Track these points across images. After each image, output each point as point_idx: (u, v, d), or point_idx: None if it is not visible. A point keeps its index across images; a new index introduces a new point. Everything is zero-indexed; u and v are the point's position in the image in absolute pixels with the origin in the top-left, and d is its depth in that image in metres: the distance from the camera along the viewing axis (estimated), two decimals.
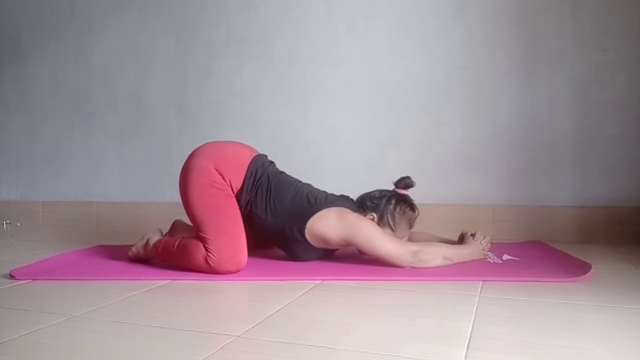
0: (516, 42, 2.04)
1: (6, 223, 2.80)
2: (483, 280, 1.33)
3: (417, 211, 1.62)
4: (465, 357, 0.82)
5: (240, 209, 1.53)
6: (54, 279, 1.41)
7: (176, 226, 1.77)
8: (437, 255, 1.46)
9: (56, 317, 1.06)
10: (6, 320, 1.06)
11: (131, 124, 2.65)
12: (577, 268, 1.40)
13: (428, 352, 0.84)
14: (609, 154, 1.95)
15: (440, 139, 2.13)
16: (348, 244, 1.50)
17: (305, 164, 2.25)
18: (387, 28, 2.20)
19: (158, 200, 2.56)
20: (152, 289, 1.29)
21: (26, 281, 1.40)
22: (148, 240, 1.60)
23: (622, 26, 1.92)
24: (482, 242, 1.59)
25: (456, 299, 1.17)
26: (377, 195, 1.62)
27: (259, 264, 1.57)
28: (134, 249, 1.61)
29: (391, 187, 1.65)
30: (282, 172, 1.64)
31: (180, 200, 1.57)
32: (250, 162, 1.56)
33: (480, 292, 1.22)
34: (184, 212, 1.56)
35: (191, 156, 1.58)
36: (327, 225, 1.49)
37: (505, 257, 1.61)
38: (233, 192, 1.52)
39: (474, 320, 1.00)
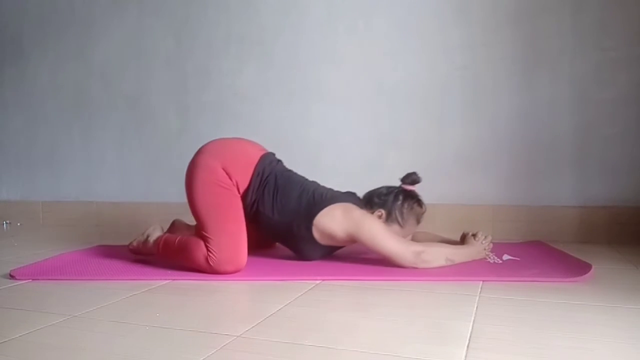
0: (516, 42, 2.04)
1: (6, 223, 2.80)
2: (483, 280, 1.33)
3: (424, 207, 1.62)
4: (465, 357, 0.82)
5: (247, 208, 1.53)
6: (54, 279, 1.41)
7: (175, 226, 1.77)
8: (439, 256, 1.46)
9: (56, 317, 1.06)
10: (6, 320, 1.06)
11: (131, 124, 2.65)
12: (577, 268, 1.40)
13: (428, 352, 0.84)
14: (609, 154, 1.95)
15: (440, 139, 2.13)
16: (353, 240, 1.50)
17: (305, 163, 2.24)
18: (387, 28, 2.20)
19: (158, 200, 2.56)
20: (152, 289, 1.29)
21: (26, 281, 1.40)
22: (148, 236, 1.60)
23: (622, 26, 1.92)
24: (484, 242, 1.59)
25: (456, 299, 1.17)
26: (384, 191, 1.61)
27: (259, 264, 1.57)
28: (134, 243, 1.63)
29: (397, 184, 1.65)
30: (290, 171, 1.64)
31: (181, 200, 1.57)
32: (258, 161, 1.56)
33: (480, 292, 1.22)
34: (185, 211, 1.56)
35: (198, 153, 1.57)
36: (332, 220, 1.49)
37: (505, 257, 1.61)
38: (239, 192, 1.52)
39: (474, 320, 1.00)
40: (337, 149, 2.28)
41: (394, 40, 2.19)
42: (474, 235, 1.61)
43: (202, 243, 1.44)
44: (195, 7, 2.50)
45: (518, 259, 1.59)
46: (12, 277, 1.43)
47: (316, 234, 1.51)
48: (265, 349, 0.86)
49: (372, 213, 1.56)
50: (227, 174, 1.50)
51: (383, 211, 1.57)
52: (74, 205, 2.74)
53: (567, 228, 1.98)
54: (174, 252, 1.50)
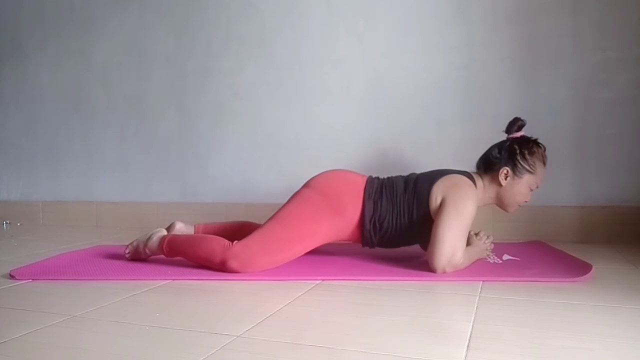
0: (516, 42, 2.04)
1: (6, 223, 2.80)
2: (483, 280, 1.33)
3: (542, 146, 1.57)
4: (465, 357, 0.82)
5: (368, 234, 1.52)
6: (54, 279, 1.41)
7: (175, 227, 1.77)
8: (456, 269, 1.42)
9: (56, 317, 1.06)
10: (6, 320, 1.06)
11: (131, 124, 2.65)
12: (577, 268, 1.40)
13: (428, 352, 0.84)
14: (608, 154, 1.95)
15: (440, 139, 2.13)
16: (436, 211, 1.45)
17: (305, 163, 2.25)
18: (387, 28, 2.20)
19: (158, 200, 2.56)
20: (152, 289, 1.29)
21: (26, 281, 1.40)
22: (151, 235, 1.60)
23: (622, 26, 1.92)
24: (486, 241, 1.59)
25: (456, 299, 1.17)
26: (496, 150, 1.57)
27: None
28: (134, 243, 1.62)
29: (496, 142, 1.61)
30: (389, 177, 1.62)
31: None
32: (365, 186, 1.54)
33: (480, 292, 1.22)
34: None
35: (308, 186, 1.56)
36: (439, 188, 1.47)
37: (505, 257, 1.61)
38: (351, 228, 1.51)
39: (474, 320, 1.00)
40: (337, 149, 2.28)
41: (394, 40, 2.20)
42: (476, 235, 1.60)
43: (223, 239, 1.46)
44: (195, 6, 2.50)
45: (518, 259, 1.59)
46: (12, 277, 1.43)
47: (432, 211, 1.46)
48: (265, 349, 0.86)
49: (498, 174, 1.52)
50: (334, 217, 1.49)
51: (507, 168, 1.53)
52: (74, 205, 2.74)
53: (567, 228, 1.98)
54: (183, 242, 1.51)
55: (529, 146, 1.55)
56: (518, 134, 1.58)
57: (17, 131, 2.90)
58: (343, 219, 1.51)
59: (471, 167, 1.72)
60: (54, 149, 2.81)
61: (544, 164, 1.57)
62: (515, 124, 1.58)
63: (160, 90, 2.58)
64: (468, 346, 0.87)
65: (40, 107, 2.84)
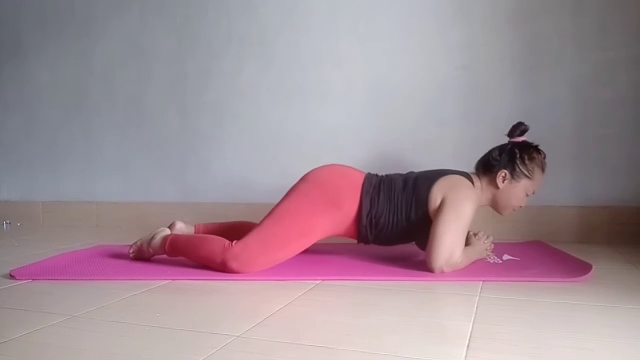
0: (516, 42, 2.04)
1: (6, 223, 2.80)
2: (483, 280, 1.33)
3: (543, 152, 1.58)
4: (465, 357, 0.82)
5: (364, 229, 1.52)
6: (54, 279, 1.41)
7: (175, 227, 1.77)
8: (454, 268, 1.42)
9: (56, 317, 1.06)
10: (6, 320, 1.06)
11: (131, 124, 2.65)
12: (577, 268, 1.40)
13: (428, 352, 0.84)
14: (608, 154, 1.95)
15: (440, 139, 2.13)
16: (435, 211, 1.46)
17: (305, 163, 2.24)
18: (388, 28, 2.20)
19: (158, 200, 2.56)
20: (152, 289, 1.29)
21: (26, 281, 1.40)
22: (155, 234, 1.60)
23: (622, 26, 1.92)
24: (486, 241, 1.59)
25: (456, 299, 1.17)
26: (497, 152, 1.57)
27: None
28: (138, 243, 1.62)
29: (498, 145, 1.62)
30: (388, 175, 1.62)
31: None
32: (363, 182, 1.54)
33: (480, 292, 1.22)
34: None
35: (305, 180, 1.56)
36: (438, 188, 1.47)
37: (505, 257, 1.61)
38: (348, 223, 1.51)
39: (474, 320, 1.00)
40: (337, 149, 2.28)
41: (394, 40, 2.20)
42: (475, 235, 1.60)
43: (224, 239, 1.45)
44: (195, 7, 2.50)
45: (518, 259, 1.59)
46: (12, 277, 1.43)
47: (431, 212, 1.47)
48: (265, 349, 0.86)
49: (496, 177, 1.52)
50: (331, 210, 1.49)
51: (505, 171, 1.53)
52: (74, 205, 2.74)
53: (567, 228, 1.98)
54: (185, 242, 1.51)
55: (530, 152, 1.55)
56: (520, 139, 1.58)
57: (17, 131, 2.90)
58: (340, 213, 1.51)
59: (471, 168, 1.72)
60: (54, 149, 2.81)
61: (543, 170, 1.57)
62: (518, 128, 1.58)
63: (160, 90, 2.58)
64: (468, 346, 0.87)
65: (41, 108, 2.84)
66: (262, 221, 1.50)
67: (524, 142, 1.57)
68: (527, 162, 1.53)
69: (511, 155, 1.54)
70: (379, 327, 0.97)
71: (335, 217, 1.51)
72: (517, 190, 1.54)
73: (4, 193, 2.94)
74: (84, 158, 2.75)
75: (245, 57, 2.42)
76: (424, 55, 2.16)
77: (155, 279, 1.39)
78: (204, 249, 1.46)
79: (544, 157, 1.58)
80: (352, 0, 2.25)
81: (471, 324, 0.99)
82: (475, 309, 1.09)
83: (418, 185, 1.52)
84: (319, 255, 1.70)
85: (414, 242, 1.63)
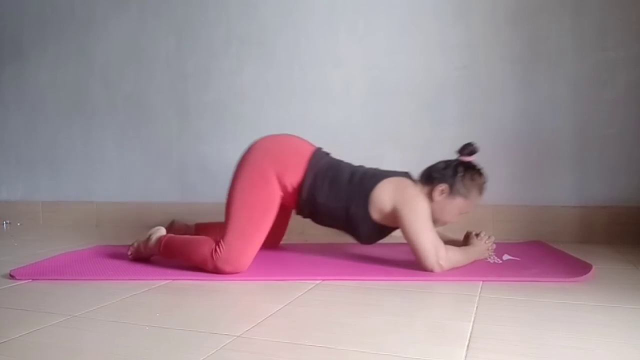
0: (516, 42, 2.04)
1: (6, 223, 2.80)
2: (483, 280, 1.33)
3: (485, 176, 1.59)
4: (465, 357, 0.82)
5: (303, 203, 1.54)
6: (54, 279, 1.41)
7: (175, 226, 1.77)
8: (452, 264, 1.45)
9: (56, 317, 1.06)
10: (6, 320, 1.06)
11: (131, 124, 2.65)
12: (577, 268, 1.40)
13: (428, 352, 0.84)
14: (608, 154, 1.96)
15: (440, 139, 2.13)
16: (396, 217, 1.48)
17: None
18: (388, 28, 2.21)
19: (158, 200, 2.56)
20: (152, 289, 1.29)
21: (26, 281, 1.40)
22: (150, 235, 1.60)
23: (621, 26, 1.92)
24: (487, 242, 1.59)
25: (456, 299, 1.17)
26: (442, 166, 1.58)
27: (260, 264, 1.57)
28: (135, 244, 1.62)
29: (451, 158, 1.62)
30: (339, 160, 1.64)
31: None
32: (310, 157, 1.56)
33: (480, 292, 1.22)
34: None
35: (251, 150, 1.57)
36: (383, 192, 1.49)
37: (505, 257, 1.61)
38: (289, 191, 1.52)
39: (474, 320, 1.00)
40: (337, 149, 2.27)
41: (394, 40, 2.20)
42: (477, 235, 1.61)
43: (210, 240, 1.45)
44: (195, 7, 2.50)
45: (518, 259, 1.59)
46: (12, 277, 1.43)
47: (371, 210, 1.50)
48: (265, 349, 0.86)
49: (434, 189, 1.53)
50: (277, 176, 1.50)
51: (445, 185, 1.54)
52: (74, 205, 2.74)
53: (567, 228, 1.98)
54: (177, 245, 1.50)
55: (473, 172, 1.57)
56: (467, 158, 1.59)
57: (17, 131, 2.90)
58: (286, 181, 1.51)
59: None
60: (54, 149, 2.81)
61: (480, 193, 1.59)
62: (468, 148, 1.59)
63: (160, 90, 2.58)
64: (468, 346, 0.87)
65: (41, 108, 2.84)
66: (229, 210, 1.48)
67: (470, 162, 1.59)
68: (467, 181, 1.55)
69: (455, 171, 1.56)
70: (379, 327, 0.97)
71: (284, 185, 1.52)
72: (451, 206, 1.54)
73: (4, 193, 2.94)
74: (84, 158, 2.75)
75: (245, 57, 2.42)
76: (424, 55, 2.16)
77: (155, 279, 1.39)
78: (196, 256, 1.45)
79: (484, 182, 1.60)
80: (352, 0, 2.25)
81: (471, 324, 0.99)
82: (475, 309, 1.09)
83: (363, 183, 1.53)
84: (319, 255, 1.70)
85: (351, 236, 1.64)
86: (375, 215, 1.51)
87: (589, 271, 1.34)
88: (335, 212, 1.54)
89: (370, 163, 2.19)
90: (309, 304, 1.14)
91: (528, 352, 0.83)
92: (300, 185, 1.52)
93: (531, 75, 2.03)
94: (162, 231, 1.62)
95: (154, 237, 1.58)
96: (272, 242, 1.76)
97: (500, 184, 2.06)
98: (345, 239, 1.65)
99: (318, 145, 1.67)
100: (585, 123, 1.98)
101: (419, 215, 1.45)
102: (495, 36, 2.06)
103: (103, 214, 2.67)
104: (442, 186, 1.53)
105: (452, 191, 1.54)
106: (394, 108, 2.20)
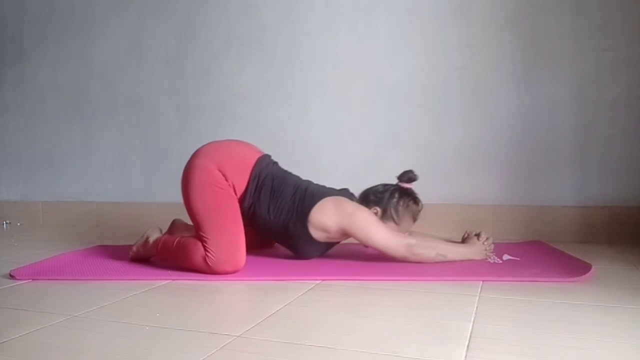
0: (516, 42, 2.04)
1: (6, 223, 2.80)
2: (483, 280, 1.33)
3: (420, 204, 1.63)
4: (465, 357, 0.82)
5: (244, 211, 1.53)
6: (54, 279, 1.41)
7: (175, 225, 1.77)
8: (430, 250, 1.48)
9: (56, 317, 1.06)
10: (6, 320, 1.06)
11: (131, 124, 2.65)
12: (577, 268, 1.40)
13: (428, 352, 0.84)
14: (609, 154, 1.95)
15: (440, 139, 2.13)
16: (346, 233, 1.51)
17: (305, 163, 2.24)
18: (388, 28, 2.21)
19: (158, 200, 2.56)
20: (152, 289, 1.29)
21: (26, 281, 1.40)
22: (147, 237, 1.60)
23: (622, 26, 1.92)
24: (485, 242, 1.59)
25: (456, 299, 1.17)
26: (380, 189, 1.62)
27: (259, 263, 1.57)
28: (134, 248, 1.62)
29: (394, 182, 1.65)
30: (285, 172, 1.64)
31: (181, 200, 1.56)
32: (254, 164, 1.56)
33: (480, 292, 1.22)
34: (183, 212, 1.56)
35: (194, 156, 1.57)
36: (325, 214, 1.49)
37: (505, 257, 1.61)
38: (236, 194, 1.52)
39: (474, 320, 1.00)
40: (337, 149, 2.28)
41: (394, 40, 2.20)
42: (477, 235, 1.61)
43: (200, 244, 1.43)
44: (195, 7, 2.50)
45: (518, 259, 1.59)
46: (12, 277, 1.43)
47: (312, 230, 1.51)
48: (265, 349, 0.86)
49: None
50: (223, 175, 1.50)
51: (379, 209, 1.58)
52: (74, 205, 2.74)
53: (567, 228, 1.98)
54: (172, 252, 1.50)
55: (408, 200, 1.60)
56: (406, 185, 1.62)
57: (17, 131, 2.90)
58: (230, 181, 1.51)
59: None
60: (54, 149, 2.81)
61: (414, 220, 1.62)
62: (407, 174, 1.63)
63: (160, 91, 2.58)
64: (468, 346, 0.87)
65: (41, 108, 2.84)
66: (196, 218, 1.47)
67: (408, 189, 1.62)
68: (400, 208, 1.58)
69: (390, 197, 1.59)
70: (379, 327, 0.97)
71: (232, 185, 1.51)
72: None
73: (4, 193, 2.94)
74: (84, 158, 2.75)
75: (245, 58, 2.42)
76: (424, 56, 2.16)
77: (155, 279, 1.39)
78: (189, 264, 1.45)
79: (419, 210, 1.62)
80: (352, 0, 2.25)
81: (471, 324, 0.99)
82: (475, 309, 1.09)
83: (304, 203, 1.52)
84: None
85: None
86: (316, 235, 1.52)
87: (589, 271, 1.34)
88: (274, 226, 1.54)
89: (370, 163, 2.21)
90: (309, 304, 1.14)
91: (528, 352, 0.83)
92: (244, 193, 1.53)
93: (531, 75, 2.03)
94: (157, 233, 1.62)
95: (151, 240, 1.58)
96: (268, 241, 1.76)
97: (501, 184, 2.06)
98: (345, 239, 1.65)
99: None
100: (585, 123, 1.98)
101: (367, 220, 1.48)
102: (496, 36, 2.06)
103: (103, 214, 2.67)
104: (375, 209, 1.58)
105: (384, 215, 1.58)
106: (394, 108, 2.20)
